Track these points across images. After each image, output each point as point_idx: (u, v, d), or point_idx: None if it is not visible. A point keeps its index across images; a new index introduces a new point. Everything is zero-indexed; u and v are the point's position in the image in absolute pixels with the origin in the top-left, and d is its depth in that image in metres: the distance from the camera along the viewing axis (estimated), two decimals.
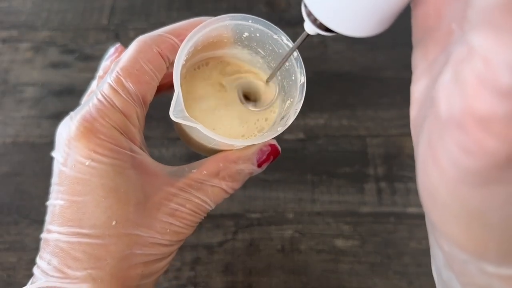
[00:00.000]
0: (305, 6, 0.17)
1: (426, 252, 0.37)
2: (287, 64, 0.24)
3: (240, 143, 0.23)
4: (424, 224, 0.41)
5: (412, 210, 0.39)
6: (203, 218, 0.24)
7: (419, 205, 0.39)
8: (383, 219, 0.38)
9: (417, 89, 0.16)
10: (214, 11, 0.48)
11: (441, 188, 0.13)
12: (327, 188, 0.40)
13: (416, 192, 0.39)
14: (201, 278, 0.36)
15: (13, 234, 0.37)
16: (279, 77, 0.26)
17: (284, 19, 0.48)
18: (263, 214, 0.38)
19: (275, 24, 0.24)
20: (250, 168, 0.24)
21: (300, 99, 0.23)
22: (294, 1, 0.50)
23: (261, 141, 0.23)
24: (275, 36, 0.23)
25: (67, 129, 0.21)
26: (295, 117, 0.23)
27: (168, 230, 0.22)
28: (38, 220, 0.38)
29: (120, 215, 0.20)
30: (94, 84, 0.26)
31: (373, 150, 0.41)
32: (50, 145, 0.42)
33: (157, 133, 0.42)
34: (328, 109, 0.43)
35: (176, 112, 0.21)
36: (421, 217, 0.38)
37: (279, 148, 0.25)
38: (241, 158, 0.24)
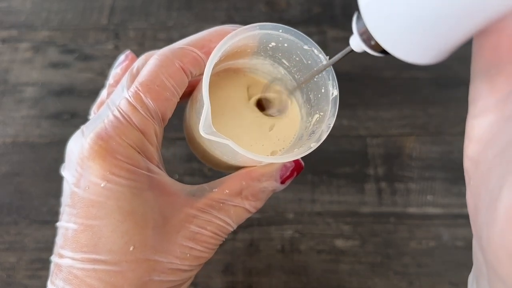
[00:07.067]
0: (358, 21, 0.16)
1: (426, 252, 0.37)
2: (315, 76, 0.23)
3: (271, 160, 0.21)
4: (425, 225, 0.40)
5: (412, 210, 0.39)
6: (224, 240, 0.22)
7: (419, 205, 0.39)
8: (383, 219, 0.38)
9: (480, 124, 0.15)
10: (214, 11, 0.48)
11: None
12: (327, 188, 0.40)
13: (416, 192, 0.39)
14: (201, 278, 0.36)
15: (12, 234, 0.37)
16: (304, 89, 0.25)
17: (284, 19, 0.48)
18: (263, 214, 0.38)
19: None
20: (273, 185, 0.23)
21: (334, 113, 0.21)
22: (294, 1, 0.50)
23: (293, 158, 0.21)
24: (305, 47, 0.22)
25: (80, 147, 0.20)
26: (328, 132, 0.21)
27: (188, 255, 0.21)
28: (37, 220, 0.38)
29: (138, 240, 0.19)
30: (104, 93, 0.25)
31: (373, 150, 0.41)
32: (50, 145, 0.42)
33: None
34: None
35: (205, 127, 0.19)
36: (421, 217, 0.38)
37: (303, 163, 0.23)
38: (265, 175, 0.22)
